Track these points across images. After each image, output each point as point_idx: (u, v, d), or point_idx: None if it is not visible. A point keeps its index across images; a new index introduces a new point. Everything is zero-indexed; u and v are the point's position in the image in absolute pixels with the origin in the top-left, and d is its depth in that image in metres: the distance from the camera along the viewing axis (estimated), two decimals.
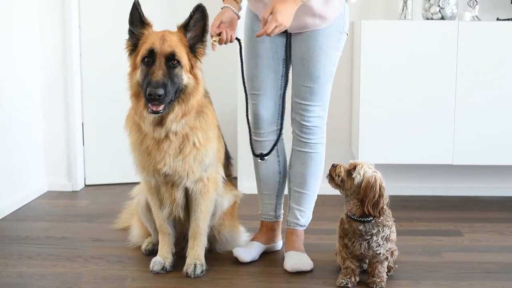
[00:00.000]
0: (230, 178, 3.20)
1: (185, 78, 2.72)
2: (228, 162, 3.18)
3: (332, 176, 2.72)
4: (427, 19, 4.04)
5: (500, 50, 3.90)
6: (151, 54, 2.69)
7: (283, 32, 2.85)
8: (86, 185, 4.60)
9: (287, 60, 3.00)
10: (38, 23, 4.32)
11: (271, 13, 2.66)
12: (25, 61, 4.18)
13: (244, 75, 3.06)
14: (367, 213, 2.66)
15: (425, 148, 3.99)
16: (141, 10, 2.76)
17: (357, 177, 2.66)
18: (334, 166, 2.73)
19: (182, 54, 2.71)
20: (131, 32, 2.78)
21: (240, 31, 3.10)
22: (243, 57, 3.04)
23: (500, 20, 4.11)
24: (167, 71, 2.66)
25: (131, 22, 2.77)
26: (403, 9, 4.11)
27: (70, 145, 4.47)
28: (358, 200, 2.68)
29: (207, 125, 2.86)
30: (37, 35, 4.32)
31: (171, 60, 2.68)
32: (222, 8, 2.90)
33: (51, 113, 4.42)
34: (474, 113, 3.94)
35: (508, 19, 4.07)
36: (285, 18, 2.66)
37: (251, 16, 3.04)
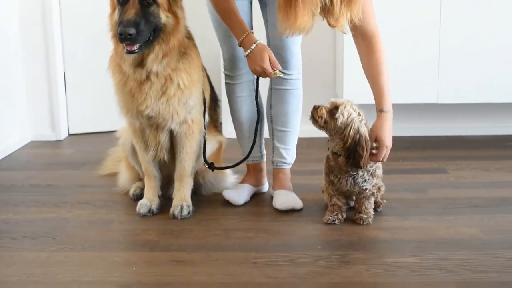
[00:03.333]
0: (216, 124, 3.17)
1: (163, 17, 2.66)
2: (215, 104, 3.14)
3: (315, 118, 2.70)
4: None
5: None
6: None
7: None
8: (69, 134, 4.57)
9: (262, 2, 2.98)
10: None
11: (375, 142, 2.69)
12: (3, 10, 4.09)
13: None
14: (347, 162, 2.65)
15: (410, 87, 3.98)
16: None
17: (340, 117, 2.62)
18: (315, 108, 2.69)
19: None
20: None
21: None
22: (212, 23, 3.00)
23: None
24: (141, 10, 2.60)
25: None
26: None
27: (52, 94, 4.42)
28: (341, 140, 2.66)
29: (191, 67, 2.81)
30: None
31: None
32: (255, 45, 2.74)
33: (32, 63, 4.36)
34: (459, 50, 3.92)
35: None
36: (390, 139, 2.72)
37: None
